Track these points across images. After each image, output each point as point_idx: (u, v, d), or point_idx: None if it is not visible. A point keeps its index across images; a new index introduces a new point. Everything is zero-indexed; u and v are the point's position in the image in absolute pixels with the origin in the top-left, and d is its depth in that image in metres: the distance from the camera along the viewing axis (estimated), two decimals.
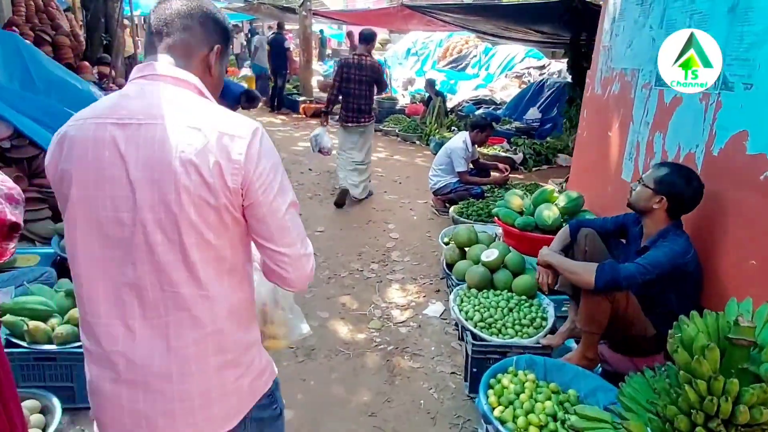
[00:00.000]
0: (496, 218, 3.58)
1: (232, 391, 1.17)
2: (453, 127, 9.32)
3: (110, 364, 1.11)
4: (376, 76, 5.47)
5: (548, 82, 9.83)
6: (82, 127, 1.09)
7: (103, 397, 1.14)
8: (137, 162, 1.04)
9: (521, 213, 3.42)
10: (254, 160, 1.08)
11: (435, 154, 8.43)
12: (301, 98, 11.95)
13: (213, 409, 1.15)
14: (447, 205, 5.61)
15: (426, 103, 10.29)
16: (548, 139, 8.48)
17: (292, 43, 26.10)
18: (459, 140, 5.42)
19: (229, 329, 1.15)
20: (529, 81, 14.00)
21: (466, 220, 4.82)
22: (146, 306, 1.08)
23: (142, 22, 22.63)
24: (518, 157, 7.57)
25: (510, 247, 3.42)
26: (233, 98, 6.37)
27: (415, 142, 9.21)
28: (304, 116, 11.48)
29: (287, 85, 12.39)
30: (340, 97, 5.61)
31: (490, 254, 3.24)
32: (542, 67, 14.39)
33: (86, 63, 8.69)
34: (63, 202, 1.11)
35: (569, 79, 12.08)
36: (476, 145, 5.57)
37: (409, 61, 17.57)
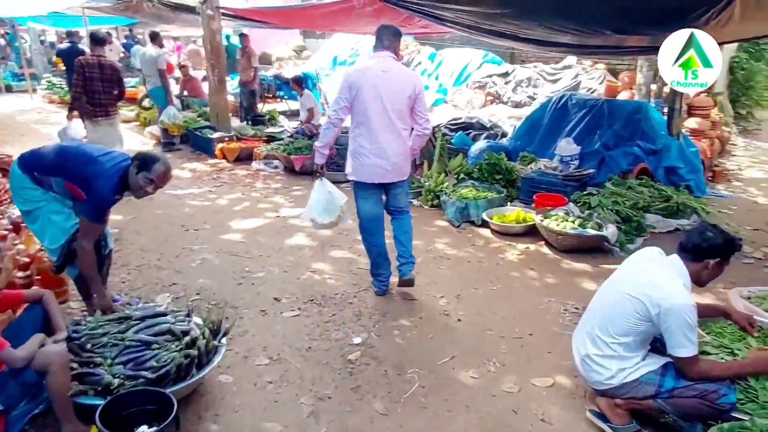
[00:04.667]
0: None
1: (407, 167, 3.61)
2: (464, 177, 6.18)
3: (380, 150, 3.41)
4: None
5: (574, 99, 7.01)
6: (364, 71, 3.42)
7: (369, 164, 3.45)
8: (388, 86, 3.34)
9: None
10: (421, 89, 3.50)
11: (458, 227, 5.33)
12: (216, 134, 8.19)
13: (402, 170, 3.57)
14: (632, 418, 2.48)
15: None
16: (609, 186, 5.64)
17: (179, 54, 21.41)
18: (673, 281, 2.27)
19: (407, 144, 3.53)
20: (496, 92, 11.32)
21: None
22: (388, 133, 3.40)
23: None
24: (611, 232, 4.61)
25: None
26: (110, 188, 2.80)
27: (411, 203, 5.96)
28: (224, 161, 7.76)
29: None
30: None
31: None
32: (506, 74, 11.74)
33: None
34: (355, 98, 3.35)
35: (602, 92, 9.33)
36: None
37: (338, 71, 14.14)
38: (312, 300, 3.71)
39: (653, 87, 8.04)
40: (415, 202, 5.93)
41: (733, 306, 3.47)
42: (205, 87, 9.71)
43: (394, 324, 3.44)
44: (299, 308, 3.60)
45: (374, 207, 3.63)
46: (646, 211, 5.21)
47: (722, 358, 2.55)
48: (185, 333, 2.61)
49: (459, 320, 3.52)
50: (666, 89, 7.76)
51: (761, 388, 2.39)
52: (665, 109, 7.29)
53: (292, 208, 5.69)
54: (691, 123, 7.45)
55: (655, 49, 6.83)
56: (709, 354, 2.56)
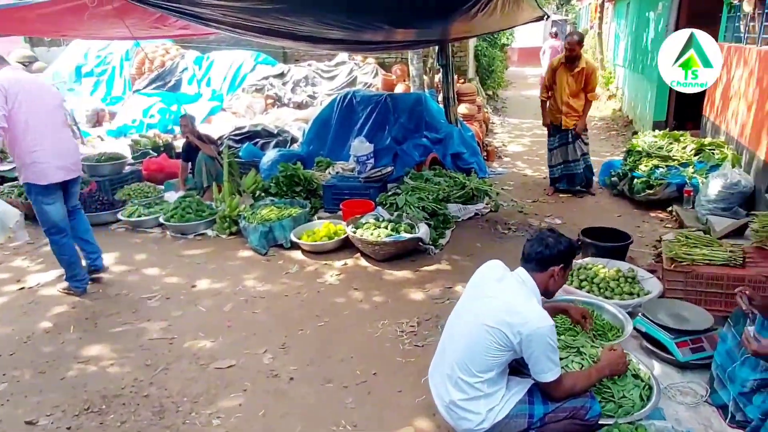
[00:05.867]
0: None
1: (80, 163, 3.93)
2: (261, 195, 5.47)
3: (60, 150, 3.62)
4: None
5: (358, 97, 6.79)
6: (18, 80, 3.44)
7: (54, 166, 3.56)
8: (44, 93, 3.63)
9: None
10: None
11: (265, 254, 4.61)
12: None
13: (79, 166, 3.86)
14: None
15: (186, 156, 6.02)
16: (408, 181, 5.55)
17: None
18: (529, 302, 2.02)
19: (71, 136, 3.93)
20: (275, 94, 10.71)
21: None
22: (60, 133, 3.67)
23: None
24: (424, 232, 4.44)
25: None
26: None
27: (205, 235, 5.02)
28: None
29: None
30: None
31: None
32: (282, 75, 11.21)
33: None
34: (15, 106, 3.35)
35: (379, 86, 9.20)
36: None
37: (85, 84, 11.85)
38: (88, 408, 2.67)
39: (425, 78, 8.36)
40: (209, 232, 5.03)
41: None
42: None
43: (212, 410, 2.65)
44: (69, 428, 2.54)
45: (62, 208, 3.74)
46: (446, 202, 5.24)
47: (572, 361, 2.44)
48: None
49: (291, 378, 2.89)
50: (437, 79, 8.13)
51: (613, 384, 2.33)
52: (439, 98, 7.62)
53: (43, 272, 4.29)
54: (462, 109, 7.93)
55: (421, 43, 7.08)
56: (561, 358, 2.43)
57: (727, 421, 2.41)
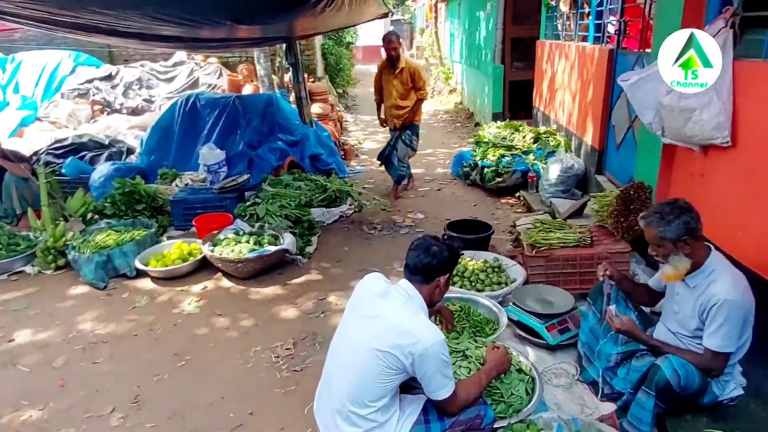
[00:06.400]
0: None
1: None
2: (95, 218, 4.64)
3: None
4: None
5: (203, 100, 6.12)
6: None
7: None
8: None
9: None
10: None
11: (105, 288, 3.88)
12: None
13: None
14: None
15: None
16: (267, 188, 5.15)
17: None
18: (417, 319, 1.82)
19: None
20: (104, 99, 9.41)
21: None
22: None
23: None
24: (290, 242, 4.10)
25: None
26: None
27: (23, 273, 4.08)
28: None
29: None
30: None
31: None
32: (110, 77, 9.88)
33: None
34: None
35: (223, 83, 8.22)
36: None
37: None
38: None
39: (275, 78, 7.94)
40: (28, 269, 4.12)
41: None
42: None
43: None
44: None
45: None
46: (309, 207, 4.96)
47: (460, 366, 2.34)
48: None
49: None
50: (287, 78, 7.77)
51: (501, 384, 2.28)
52: (291, 98, 7.29)
53: None
54: (316, 108, 7.69)
55: (266, 40, 6.66)
56: None
57: (599, 396, 2.52)
